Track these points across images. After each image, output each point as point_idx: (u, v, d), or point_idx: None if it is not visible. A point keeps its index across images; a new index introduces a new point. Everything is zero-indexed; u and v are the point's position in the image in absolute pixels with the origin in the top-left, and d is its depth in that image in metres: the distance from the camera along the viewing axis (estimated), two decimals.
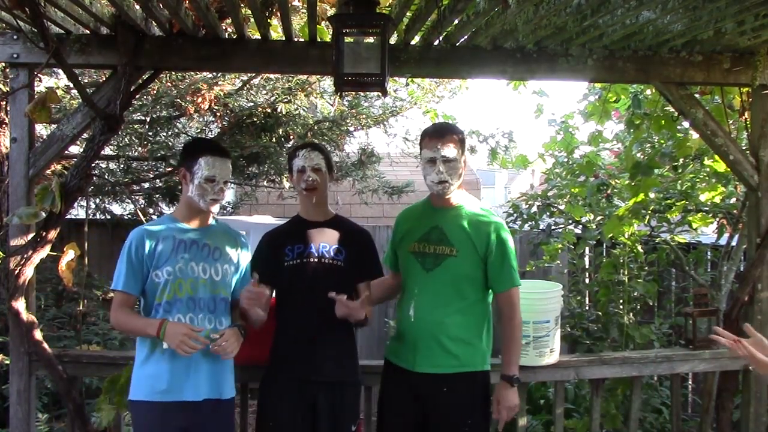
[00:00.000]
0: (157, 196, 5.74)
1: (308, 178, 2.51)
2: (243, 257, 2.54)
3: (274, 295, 2.56)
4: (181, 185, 2.46)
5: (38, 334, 2.72)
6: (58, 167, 4.10)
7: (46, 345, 2.74)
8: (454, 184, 2.50)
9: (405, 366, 2.53)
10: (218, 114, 4.98)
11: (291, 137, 5.20)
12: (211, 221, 2.51)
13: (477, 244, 2.50)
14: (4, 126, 3.67)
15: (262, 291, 2.32)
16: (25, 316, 2.68)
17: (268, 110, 5.10)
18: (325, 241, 2.54)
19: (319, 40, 2.87)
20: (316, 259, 2.50)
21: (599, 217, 4.85)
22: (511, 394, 2.53)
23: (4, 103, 3.58)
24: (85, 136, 2.86)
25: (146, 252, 2.34)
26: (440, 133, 2.51)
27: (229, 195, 7.63)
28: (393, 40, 2.88)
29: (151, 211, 5.69)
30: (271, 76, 5.28)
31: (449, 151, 2.46)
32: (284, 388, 2.47)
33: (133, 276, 2.34)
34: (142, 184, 5.73)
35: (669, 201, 4.38)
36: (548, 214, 5.21)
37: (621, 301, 4.30)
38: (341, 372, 2.51)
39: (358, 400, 2.60)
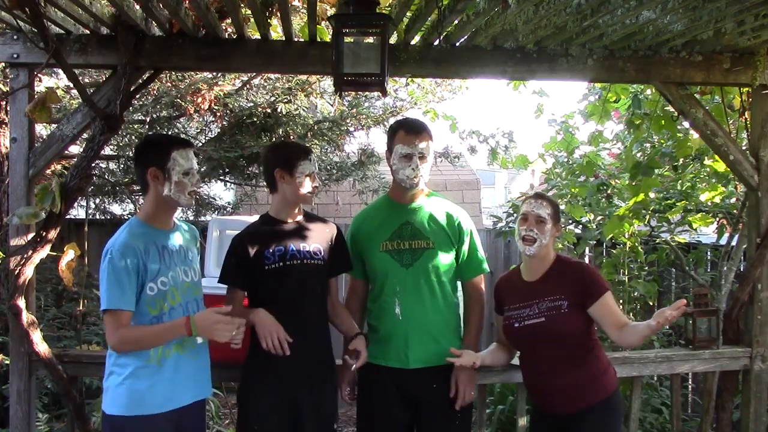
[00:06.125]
0: None
1: (317, 184, 2.54)
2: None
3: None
4: (147, 187, 2.32)
5: (38, 334, 2.72)
6: (58, 167, 4.10)
7: (46, 345, 2.74)
8: (425, 180, 2.59)
9: (396, 365, 2.54)
10: (218, 114, 4.98)
11: (291, 137, 5.19)
12: (175, 220, 2.43)
13: (450, 235, 2.60)
14: (4, 126, 3.67)
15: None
16: (25, 316, 2.67)
17: (268, 110, 5.10)
18: (305, 241, 2.52)
19: (319, 40, 2.87)
20: (299, 261, 2.48)
21: (599, 217, 4.86)
22: (474, 375, 2.60)
23: (4, 103, 3.59)
24: (85, 136, 2.86)
25: (140, 264, 2.21)
26: (417, 129, 2.55)
27: (229, 195, 7.62)
28: (393, 40, 2.88)
29: None
30: (271, 76, 5.28)
31: (425, 147, 2.53)
32: (266, 388, 2.45)
33: (131, 291, 2.19)
34: None
35: (669, 201, 4.38)
36: None
37: (621, 301, 4.30)
38: (321, 369, 2.50)
39: (337, 399, 2.59)
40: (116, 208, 6.18)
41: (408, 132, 2.53)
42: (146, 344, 2.23)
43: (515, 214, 5.31)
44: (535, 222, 2.46)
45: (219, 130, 5.34)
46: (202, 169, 5.30)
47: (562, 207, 5.10)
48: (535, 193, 2.61)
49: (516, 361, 2.86)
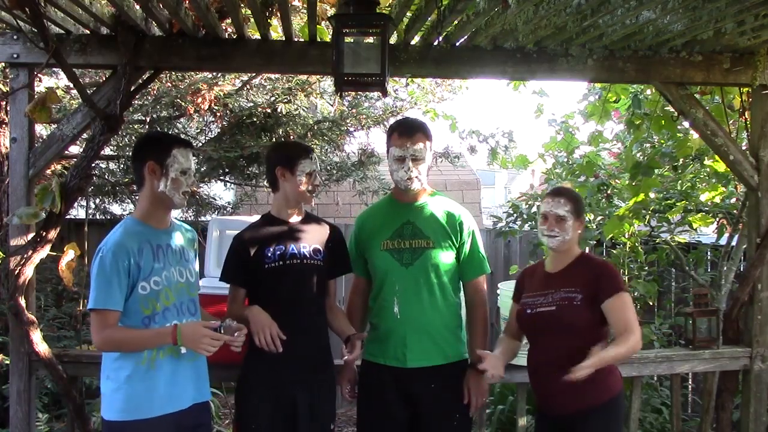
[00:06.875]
0: None
1: (318, 183, 2.54)
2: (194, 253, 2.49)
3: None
4: (142, 182, 2.29)
5: (38, 334, 2.71)
6: (58, 167, 4.10)
7: (46, 345, 2.74)
8: (422, 180, 2.57)
9: (394, 364, 2.54)
10: (218, 114, 4.97)
11: (291, 137, 5.19)
12: (171, 219, 2.40)
13: (451, 234, 2.59)
14: (4, 126, 3.67)
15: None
16: (25, 316, 2.67)
17: (268, 110, 5.09)
18: (305, 241, 2.52)
19: (319, 40, 2.87)
20: (299, 260, 2.48)
21: (599, 217, 4.86)
22: (483, 382, 2.58)
23: (4, 103, 3.59)
24: (85, 136, 2.86)
25: (132, 264, 2.17)
26: (410, 131, 2.53)
27: (229, 195, 7.62)
28: (393, 40, 2.88)
29: None
30: (271, 76, 5.28)
31: (418, 149, 2.51)
32: (264, 386, 2.45)
33: (120, 292, 2.16)
34: None
35: (669, 201, 4.38)
36: None
37: None
38: (320, 368, 2.51)
39: (335, 399, 2.59)
40: (116, 208, 6.17)
41: (401, 134, 2.53)
42: (131, 347, 2.20)
43: (515, 214, 5.31)
44: (555, 221, 2.44)
45: (219, 130, 5.33)
46: (202, 169, 5.30)
47: None
48: (554, 188, 2.57)
49: (516, 361, 2.86)
